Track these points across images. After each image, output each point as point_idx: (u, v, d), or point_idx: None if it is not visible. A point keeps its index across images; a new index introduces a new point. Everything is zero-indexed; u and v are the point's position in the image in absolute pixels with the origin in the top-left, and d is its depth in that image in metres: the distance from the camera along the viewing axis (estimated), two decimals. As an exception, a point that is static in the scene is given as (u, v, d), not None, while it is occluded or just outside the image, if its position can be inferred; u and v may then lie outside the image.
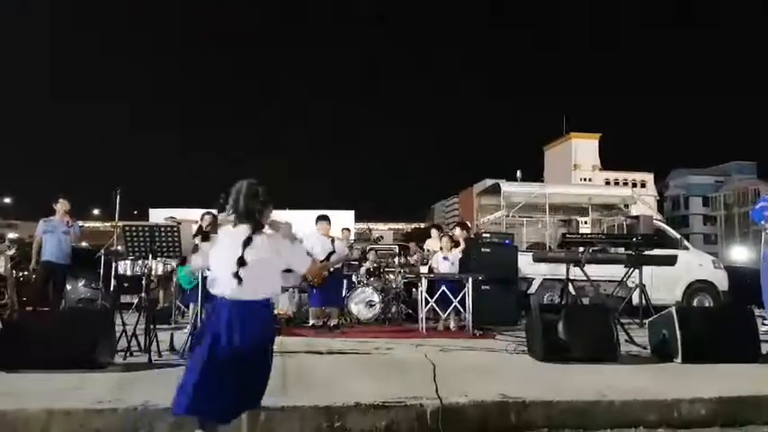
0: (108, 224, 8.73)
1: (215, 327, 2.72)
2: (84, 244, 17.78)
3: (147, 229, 5.15)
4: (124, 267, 7.24)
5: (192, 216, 9.38)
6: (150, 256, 5.21)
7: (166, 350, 5.23)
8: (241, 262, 2.71)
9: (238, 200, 2.84)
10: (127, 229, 5.18)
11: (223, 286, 2.75)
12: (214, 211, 7.85)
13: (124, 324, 5.19)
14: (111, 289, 7.72)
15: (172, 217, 8.26)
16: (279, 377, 4.40)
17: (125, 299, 9.51)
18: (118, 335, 5.02)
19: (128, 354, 4.93)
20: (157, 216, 11.29)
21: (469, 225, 10.46)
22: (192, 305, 6.77)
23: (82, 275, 10.12)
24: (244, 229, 2.80)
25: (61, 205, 7.59)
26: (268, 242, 2.81)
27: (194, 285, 6.29)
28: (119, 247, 8.20)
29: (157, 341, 5.08)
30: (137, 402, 3.40)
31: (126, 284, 9.58)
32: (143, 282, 5.50)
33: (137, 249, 5.18)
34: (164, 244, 5.11)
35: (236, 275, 2.70)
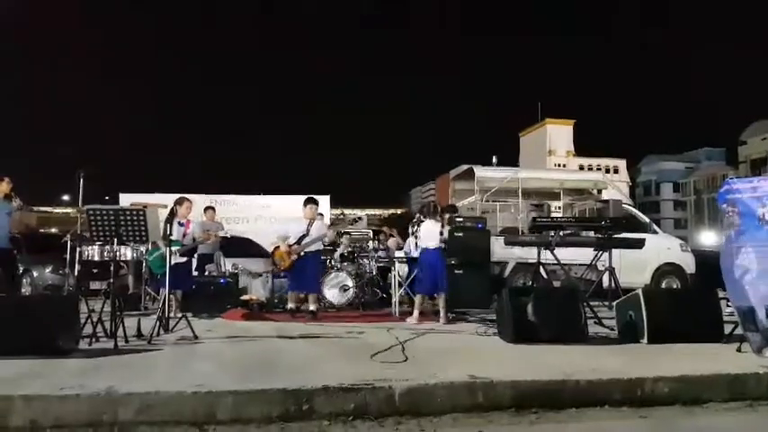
0: (75, 209, 8.49)
1: (425, 259, 7.03)
2: (53, 230, 17.41)
3: (111, 212, 5.00)
4: (92, 253, 7.07)
5: (159, 200, 9.21)
6: (116, 241, 5.08)
7: (133, 336, 5.15)
8: (441, 233, 7.08)
9: (430, 210, 7.34)
10: (91, 212, 5.03)
11: (430, 243, 7.01)
12: (189, 197, 7.70)
13: (89, 310, 5.07)
14: (76, 274, 7.51)
15: (136, 203, 8.05)
16: (248, 361, 4.38)
17: (95, 285, 9.35)
18: (83, 321, 4.92)
19: (93, 340, 4.82)
20: (127, 201, 11.09)
21: (457, 208, 10.43)
22: (162, 290, 6.65)
23: (49, 261, 9.91)
24: (433, 222, 7.11)
25: (6, 185, 7.20)
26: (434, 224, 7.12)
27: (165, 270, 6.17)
28: (86, 233, 8.01)
29: (124, 327, 4.97)
30: (100, 388, 3.33)
31: (95, 270, 9.41)
32: (111, 267, 5.37)
33: (102, 233, 5.04)
34: (129, 228, 4.98)
35: (439, 239, 7.08)
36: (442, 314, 6.91)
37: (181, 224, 7.14)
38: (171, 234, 6.52)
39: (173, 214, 7.04)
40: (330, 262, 9.12)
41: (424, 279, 7.08)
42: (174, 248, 6.31)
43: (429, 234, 7.06)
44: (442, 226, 7.15)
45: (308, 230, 7.47)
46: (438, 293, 7.09)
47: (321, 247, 7.91)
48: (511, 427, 3.33)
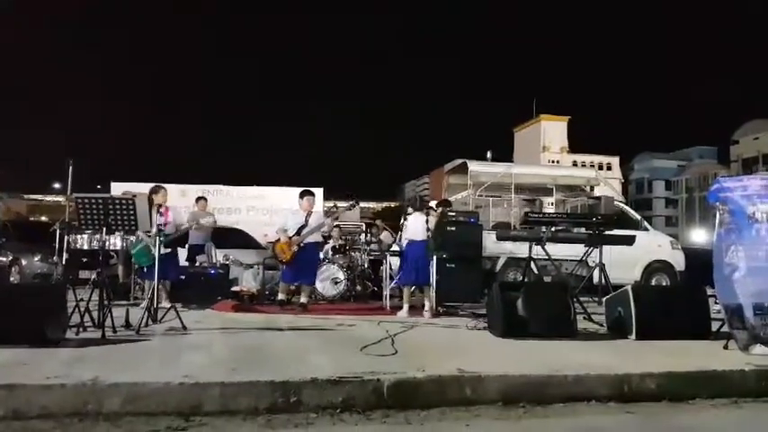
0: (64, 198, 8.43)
1: (410, 251, 7.15)
2: (43, 218, 17.30)
3: (100, 201, 4.95)
4: (81, 242, 7.01)
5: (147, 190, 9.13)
6: (105, 230, 5.03)
7: (122, 326, 5.11)
8: (428, 228, 6.92)
9: (416, 203, 7.58)
10: (80, 200, 4.97)
11: (416, 236, 7.04)
12: (165, 186, 7.63)
13: (77, 299, 5.03)
14: (65, 263, 7.45)
15: (127, 192, 7.98)
16: (236, 352, 4.36)
17: (84, 274, 9.27)
18: (71, 310, 4.88)
19: (80, 329, 4.79)
20: (119, 190, 11.01)
21: (451, 202, 10.42)
22: (148, 282, 6.61)
23: (38, 250, 9.83)
24: (420, 214, 7.12)
25: None
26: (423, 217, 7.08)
27: (151, 263, 6.12)
28: (75, 222, 7.94)
29: (112, 317, 4.93)
30: (86, 378, 3.31)
31: (85, 260, 9.34)
32: (100, 256, 5.33)
33: (90, 222, 4.99)
34: (119, 217, 4.93)
35: (425, 232, 6.94)
36: (427, 306, 6.96)
37: (159, 213, 7.07)
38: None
39: (150, 204, 6.97)
40: (321, 254, 9.09)
41: (407, 270, 7.21)
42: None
43: (415, 227, 7.14)
44: (427, 219, 7.14)
45: (306, 221, 7.47)
46: (423, 286, 7.12)
47: (320, 238, 7.93)
48: (498, 421, 3.33)
